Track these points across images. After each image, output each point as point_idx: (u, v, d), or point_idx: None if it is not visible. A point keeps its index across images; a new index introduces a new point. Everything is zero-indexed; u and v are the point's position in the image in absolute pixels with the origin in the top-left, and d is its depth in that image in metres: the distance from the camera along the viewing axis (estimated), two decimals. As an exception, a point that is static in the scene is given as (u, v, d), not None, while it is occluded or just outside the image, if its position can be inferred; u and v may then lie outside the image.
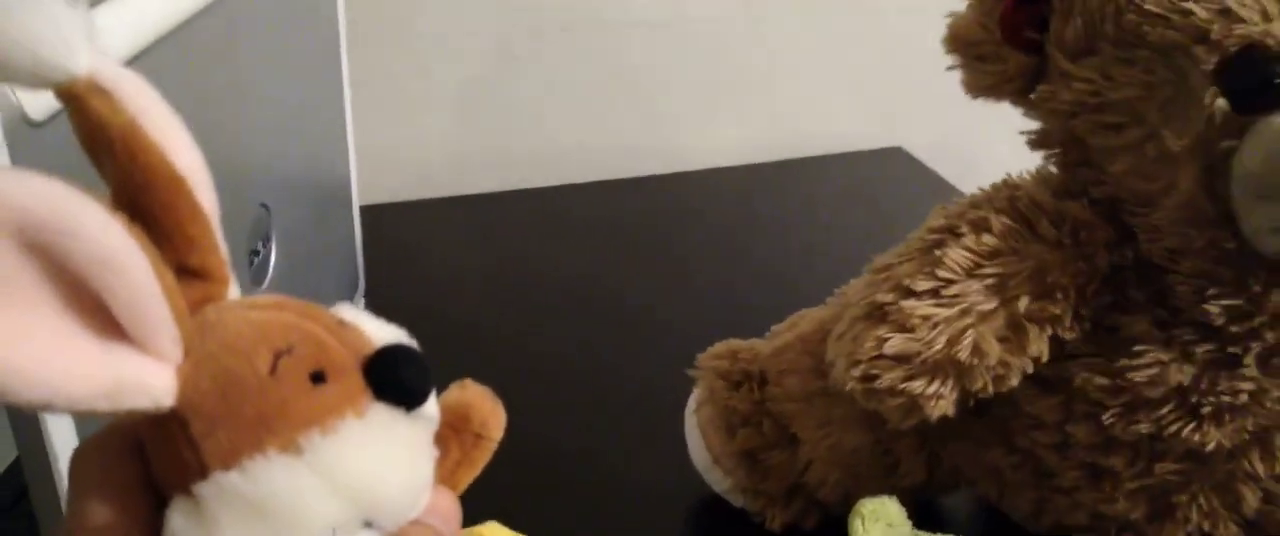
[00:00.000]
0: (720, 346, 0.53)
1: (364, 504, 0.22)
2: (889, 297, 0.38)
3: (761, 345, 0.52)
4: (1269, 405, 0.37)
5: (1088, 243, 0.38)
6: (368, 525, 0.23)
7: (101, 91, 0.21)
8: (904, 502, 0.44)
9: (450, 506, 0.26)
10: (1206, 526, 0.40)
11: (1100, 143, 0.38)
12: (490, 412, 0.28)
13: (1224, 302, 0.37)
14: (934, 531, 0.46)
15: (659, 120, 0.98)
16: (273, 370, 0.22)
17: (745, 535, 0.52)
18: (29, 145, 0.28)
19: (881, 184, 0.93)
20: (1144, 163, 0.36)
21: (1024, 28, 0.39)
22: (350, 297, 0.65)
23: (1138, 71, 0.36)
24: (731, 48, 0.95)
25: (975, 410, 0.41)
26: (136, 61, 0.33)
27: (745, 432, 0.50)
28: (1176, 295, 0.38)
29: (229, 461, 0.21)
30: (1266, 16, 0.33)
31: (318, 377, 0.22)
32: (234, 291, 0.25)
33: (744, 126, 0.97)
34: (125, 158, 0.21)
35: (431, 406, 0.24)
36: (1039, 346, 0.38)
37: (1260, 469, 0.38)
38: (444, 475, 0.27)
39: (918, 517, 0.46)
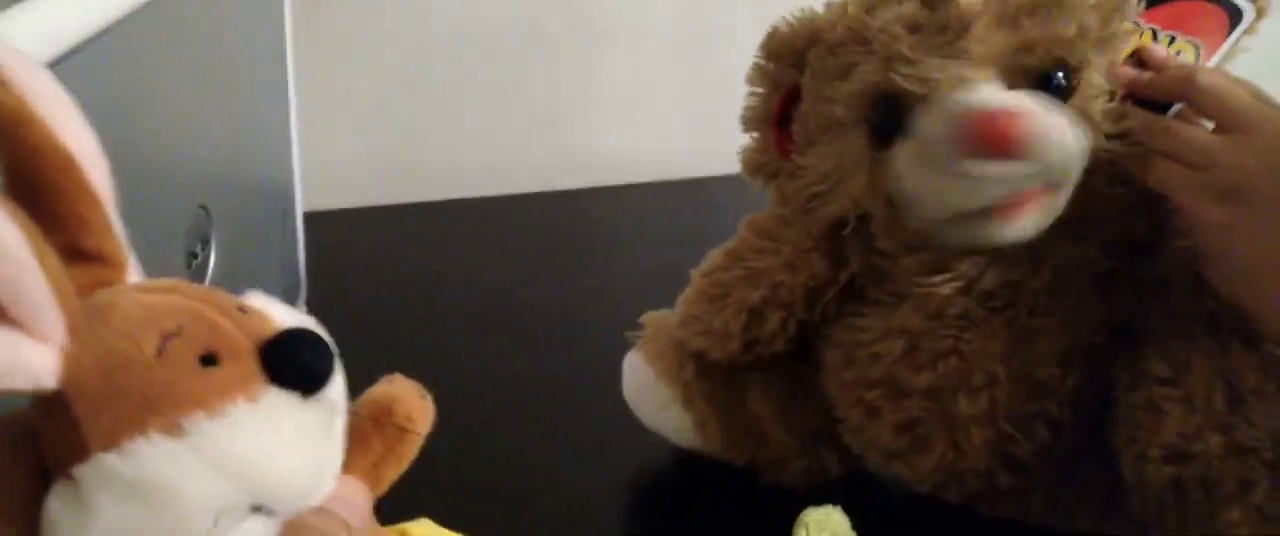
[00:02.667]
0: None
1: (253, 488, 0.22)
2: None
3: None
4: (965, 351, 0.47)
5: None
6: (258, 509, 0.22)
7: None
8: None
9: (356, 495, 0.26)
10: (950, 457, 0.48)
11: (826, 205, 0.49)
12: (416, 406, 0.28)
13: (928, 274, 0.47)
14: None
15: (607, 130, 0.98)
16: (160, 352, 0.21)
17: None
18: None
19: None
20: (852, 206, 0.47)
21: (789, 143, 0.51)
22: (291, 305, 0.64)
23: (834, 148, 0.47)
24: (682, 58, 0.96)
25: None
26: (79, 53, 0.32)
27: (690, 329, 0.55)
28: (896, 280, 0.49)
29: (109, 443, 0.20)
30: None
31: (208, 360, 0.22)
32: (134, 276, 0.24)
33: (693, 137, 0.97)
34: (12, 136, 0.21)
35: (335, 392, 0.24)
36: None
37: (968, 406, 0.47)
38: (366, 468, 0.27)
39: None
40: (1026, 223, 0.42)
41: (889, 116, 0.43)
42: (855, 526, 0.48)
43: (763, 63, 0.52)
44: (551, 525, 0.54)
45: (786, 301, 0.51)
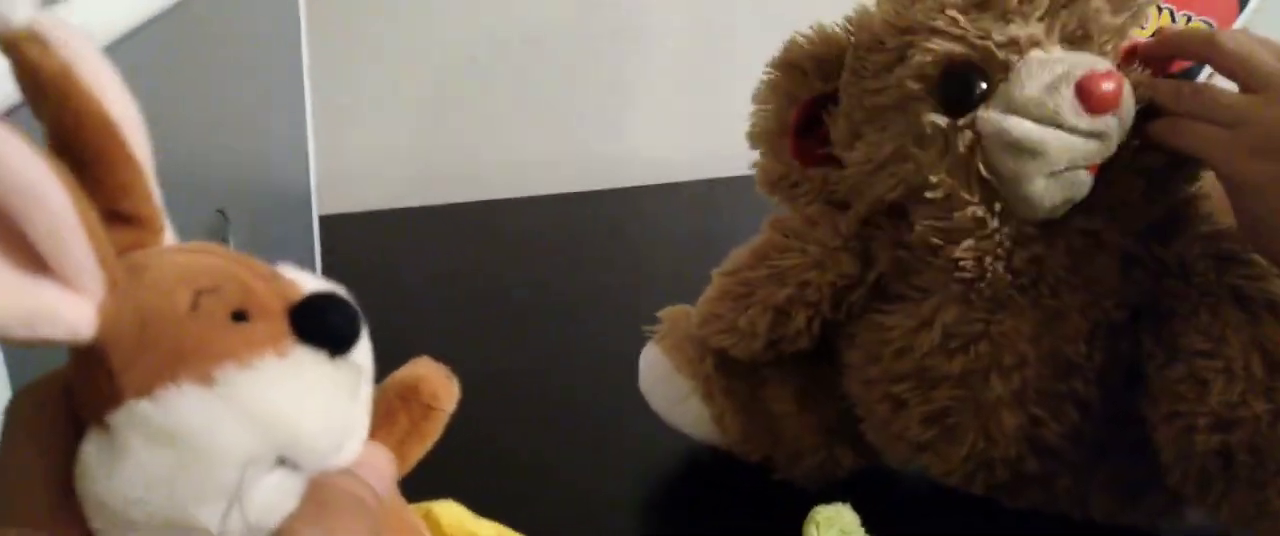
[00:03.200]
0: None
1: (279, 440, 0.22)
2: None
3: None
4: (994, 334, 0.48)
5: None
6: (283, 463, 0.23)
7: (37, 39, 0.21)
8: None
9: (382, 462, 0.26)
10: (981, 445, 0.49)
11: (880, 185, 0.49)
12: (441, 384, 0.29)
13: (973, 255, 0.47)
14: None
15: (622, 132, 0.98)
16: (194, 306, 0.22)
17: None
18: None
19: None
20: (914, 181, 0.47)
21: (813, 151, 0.51)
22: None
23: (890, 133, 0.47)
24: (697, 60, 0.96)
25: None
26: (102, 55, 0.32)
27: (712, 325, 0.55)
28: (923, 273, 0.49)
29: (143, 390, 0.21)
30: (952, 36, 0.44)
31: (239, 316, 0.22)
32: (169, 240, 0.25)
33: (709, 139, 0.97)
34: (57, 101, 0.22)
35: (361, 356, 0.24)
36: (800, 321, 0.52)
37: (1000, 387, 0.47)
38: (392, 445, 0.28)
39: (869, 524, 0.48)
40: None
41: (960, 87, 0.45)
42: (864, 523, 0.48)
43: (775, 77, 0.52)
44: (563, 522, 0.54)
45: (814, 300, 0.51)
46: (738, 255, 0.55)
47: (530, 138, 0.95)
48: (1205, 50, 0.44)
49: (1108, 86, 0.42)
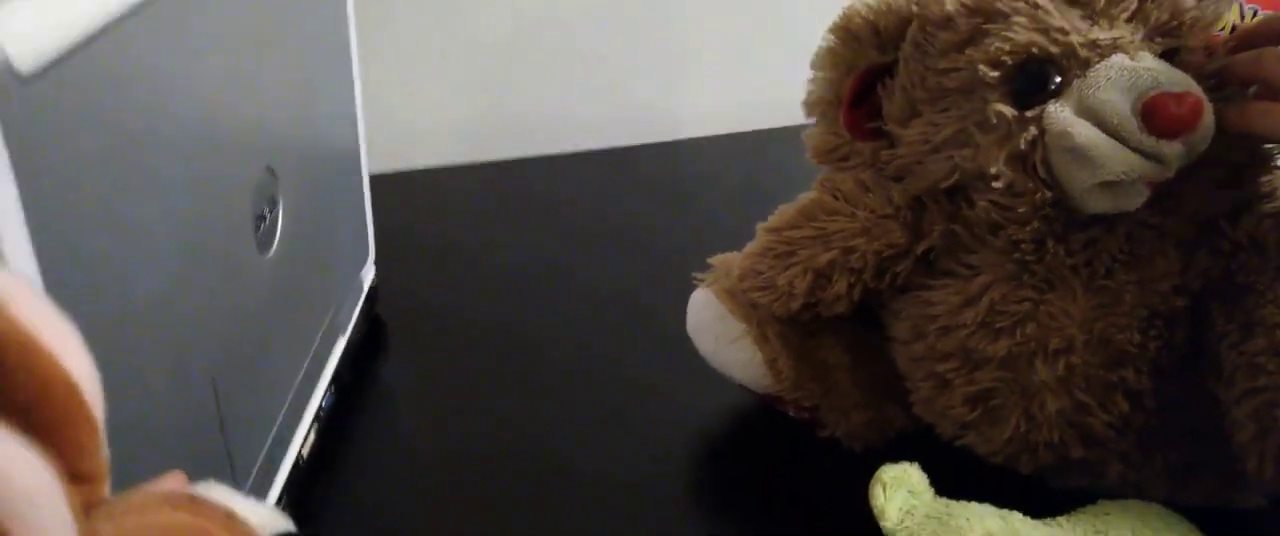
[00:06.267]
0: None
1: None
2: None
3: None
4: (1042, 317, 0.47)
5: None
6: None
7: None
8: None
9: None
10: (1024, 428, 0.48)
11: (936, 168, 0.49)
12: None
13: (1030, 235, 0.47)
14: (955, 499, 0.46)
15: (673, 86, 0.96)
16: None
17: (724, 524, 0.53)
18: (18, 101, 0.26)
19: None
20: (969, 168, 0.47)
21: (864, 123, 0.51)
22: (359, 268, 0.64)
23: (952, 115, 0.47)
24: (749, 11, 0.94)
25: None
26: (145, 12, 0.31)
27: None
28: (974, 250, 0.49)
29: None
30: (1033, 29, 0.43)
31: None
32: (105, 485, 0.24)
33: (760, 92, 0.95)
34: (22, 372, 0.20)
35: None
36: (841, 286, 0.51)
37: (1045, 372, 0.47)
38: None
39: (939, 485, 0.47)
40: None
41: (1035, 79, 0.44)
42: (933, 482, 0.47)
43: (833, 43, 0.51)
44: (609, 475, 0.54)
45: (857, 267, 0.50)
46: (784, 211, 0.54)
47: (581, 92, 0.94)
48: None
49: (1177, 110, 0.41)
